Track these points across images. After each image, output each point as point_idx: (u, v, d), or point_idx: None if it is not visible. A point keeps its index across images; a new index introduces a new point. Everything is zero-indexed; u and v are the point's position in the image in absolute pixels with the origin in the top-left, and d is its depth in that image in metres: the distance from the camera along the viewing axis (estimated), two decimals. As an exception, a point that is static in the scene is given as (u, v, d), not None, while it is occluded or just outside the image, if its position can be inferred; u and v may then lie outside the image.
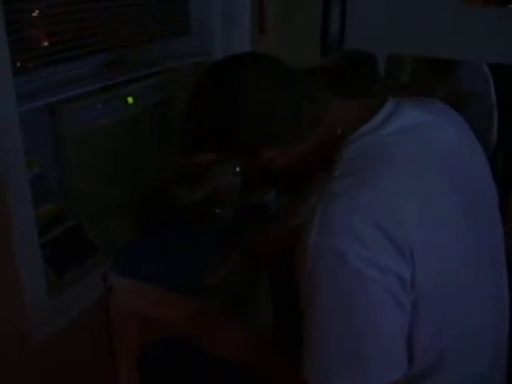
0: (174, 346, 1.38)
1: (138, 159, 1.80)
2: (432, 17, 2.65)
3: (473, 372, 1.02)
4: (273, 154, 1.05)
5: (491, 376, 1.07)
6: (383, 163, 0.93)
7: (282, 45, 2.35)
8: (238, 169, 2.04)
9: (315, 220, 0.88)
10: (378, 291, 0.85)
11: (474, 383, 1.03)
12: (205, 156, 1.27)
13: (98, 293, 1.57)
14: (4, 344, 1.37)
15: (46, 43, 1.51)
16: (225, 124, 1.03)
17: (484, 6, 2.72)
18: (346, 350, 0.87)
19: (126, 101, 1.72)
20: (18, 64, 1.36)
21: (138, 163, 1.81)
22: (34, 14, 1.45)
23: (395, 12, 2.70)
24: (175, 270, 1.58)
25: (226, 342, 1.18)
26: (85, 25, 1.63)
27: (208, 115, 1.06)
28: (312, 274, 0.86)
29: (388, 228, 0.85)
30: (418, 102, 1.08)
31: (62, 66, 1.53)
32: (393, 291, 0.85)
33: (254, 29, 2.15)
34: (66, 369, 1.55)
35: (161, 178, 1.83)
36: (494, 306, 1.06)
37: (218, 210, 1.85)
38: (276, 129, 1.02)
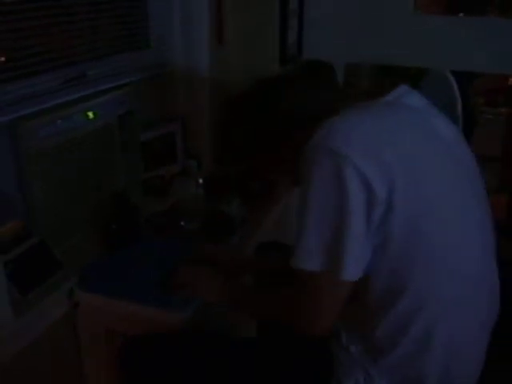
0: (154, 348, 1.39)
1: (101, 173, 1.80)
2: (387, 25, 2.71)
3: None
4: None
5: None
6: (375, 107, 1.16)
7: (241, 55, 2.38)
8: (200, 180, 2.05)
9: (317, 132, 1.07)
10: (351, 192, 1.01)
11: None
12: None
13: (63, 309, 1.56)
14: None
15: (3, 59, 1.49)
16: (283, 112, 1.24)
17: (436, 14, 2.80)
18: (324, 236, 1.04)
19: (87, 116, 1.72)
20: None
21: (101, 177, 1.80)
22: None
23: (352, 22, 2.75)
24: (142, 285, 1.58)
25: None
26: (43, 40, 1.62)
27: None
28: (305, 169, 1.05)
29: (377, 148, 1.04)
30: None
31: (22, 82, 1.52)
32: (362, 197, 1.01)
33: (213, 40, 2.17)
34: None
35: (125, 190, 1.83)
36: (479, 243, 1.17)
37: (182, 222, 1.85)
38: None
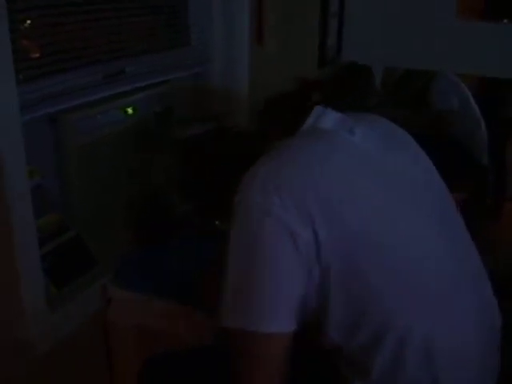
0: (174, 361, 1.38)
1: (137, 169, 1.80)
2: (428, 30, 2.67)
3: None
4: None
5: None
6: (300, 148, 1.12)
7: (280, 56, 2.37)
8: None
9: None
10: (272, 239, 0.99)
11: None
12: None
13: (97, 305, 1.56)
14: (3, 356, 1.35)
15: (44, 53, 1.50)
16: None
17: (479, 20, 2.76)
18: (243, 291, 1.01)
19: (126, 111, 1.72)
20: (21, 76, 1.34)
21: (137, 173, 1.80)
22: (29, 24, 1.45)
23: (392, 25, 2.72)
24: (174, 282, 1.57)
25: None
26: (84, 35, 1.62)
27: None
28: (230, 225, 1.04)
29: (292, 191, 1.01)
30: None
31: (63, 76, 1.52)
32: (285, 241, 0.98)
33: (253, 40, 2.16)
34: (64, 381, 1.53)
35: (160, 187, 1.83)
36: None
37: (216, 222, 1.84)
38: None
